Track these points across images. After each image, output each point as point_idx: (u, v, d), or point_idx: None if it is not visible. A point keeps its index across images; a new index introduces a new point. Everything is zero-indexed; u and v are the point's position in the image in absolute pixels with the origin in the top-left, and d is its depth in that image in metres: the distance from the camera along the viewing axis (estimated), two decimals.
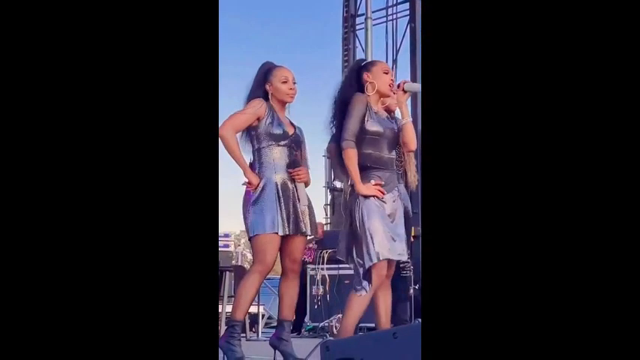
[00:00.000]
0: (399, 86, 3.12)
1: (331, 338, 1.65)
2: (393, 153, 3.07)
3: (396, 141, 3.10)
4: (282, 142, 3.13)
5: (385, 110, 3.19)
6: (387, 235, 2.87)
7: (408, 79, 6.89)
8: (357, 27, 7.75)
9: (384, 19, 7.53)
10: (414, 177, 3.15)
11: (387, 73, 3.13)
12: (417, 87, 3.26)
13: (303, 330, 6.43)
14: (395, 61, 7.36)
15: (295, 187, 3.09)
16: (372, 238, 2.84)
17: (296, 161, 3.15)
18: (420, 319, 1.77)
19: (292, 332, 6.95)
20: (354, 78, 3.07)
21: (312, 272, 6.34)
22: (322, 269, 6.14)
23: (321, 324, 6.03)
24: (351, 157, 2.91)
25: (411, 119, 3.10)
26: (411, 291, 5.55)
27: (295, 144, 3.21)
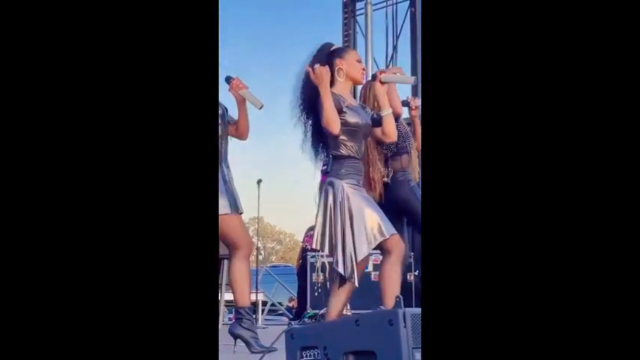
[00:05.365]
0: (374, 78, 3.10)
1: (296, 326, 1.63)
2: (363, 143, 3.06)
3: (368, 132, 3.09)
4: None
5: (375, 106, 3.19)
6: None
7: (409, 64, 6.87)
8: (357, 12, 7.70)
9: (384, 4, 7.47)
10: (378, 172, 3.16)
11: (359, 62, 3.12)
12: (395, 78, 3.24)
13: (303, 317, 6.45)
14: (395, 47, 7.30)
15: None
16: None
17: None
18: (382, 306, 1.76)
19: (294, 319, 6.99)
20: (325, 61, 3.02)
21: (313, 260, 6.34)
22: (322, 256, 6.13)
23: (321, 311, 6.04)
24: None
25: (391, 110, 3.08)
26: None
27: (225, 125, 3.30)
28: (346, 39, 7.74)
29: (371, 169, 3.09)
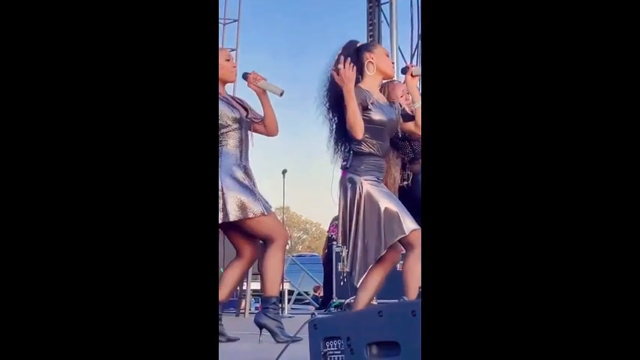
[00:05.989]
0: (405, 71, 3.10)
1: (319, 316, 1.64)
2: (387, 140, 3.05)
3: (394, 129, 3.08)
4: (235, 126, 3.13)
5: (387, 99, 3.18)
6: None
7: None
8: (382, 1, 7.66)
9: None
10: (392, 177, 3.17)
11: (387, 56, 3.12)
12: None
13: (330, 307, 6.47)
14: (420, 36, 7.25)
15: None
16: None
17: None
18: (405, 297, 1.76)
19: (320, 309, 7.01)
20: (353, 57, 3.00)
21: (338, 249, 6.35)
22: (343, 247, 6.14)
23: (347, 300, 6.05)
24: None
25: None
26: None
27: (245, 128, 3.21)
28: (371, 28, 7.70)
29: (385, 174, 3.09)
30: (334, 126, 3.03)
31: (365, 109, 2.91)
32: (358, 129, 2.85)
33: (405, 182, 3.65)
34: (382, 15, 7.69)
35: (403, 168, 3.70)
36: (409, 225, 2.87)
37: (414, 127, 3.11)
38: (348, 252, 2.89)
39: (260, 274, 3.21)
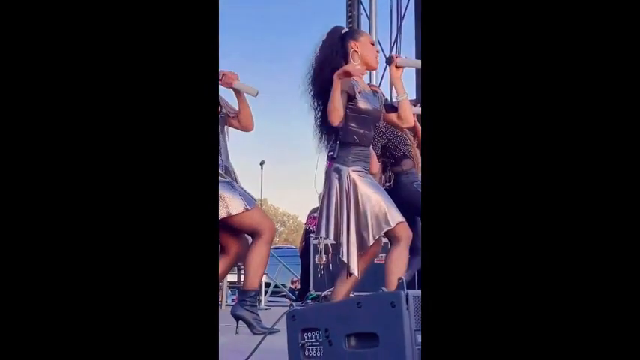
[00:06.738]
0: (389, 61, 3.08)
1: (297, 307, 1.63)
2: (372, 129, 3.04)
3: (379, 118, 3.07)
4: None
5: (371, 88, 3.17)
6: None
7: (413, 47, 6.81)
8: None
9: None
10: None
11: (373, 45, 3.09)
12: (411, 62, 3.20)
13: (306, 299, 6.47)
14: (399, 29, 7.24)
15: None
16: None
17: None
18: (384, 288, 1.75)
19: (297, 301, 7.02)
20: (338, 44, 2.98)
21: (315, 241, 6.34)
22: (325, 239, 6.13)
23: (324, 292, 6.05)
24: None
25: (407, 95, 3.05)
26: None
27: (220, 124, 3.20)
28: (350, 20, 7.68)
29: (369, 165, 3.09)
30: (319, 114, 2.99)
31: (352, 98, 2.89)
32: (337, 115, 2.83)
33: (388, 184, 3.66)
34: (362, 7, 7.67)
35: (384, 171, 3.70)
36: (395, 217, 2.86)
37: (397, 119, 3.09)
38: (340, 242, 2.86)
39: (243, 266, 3.21)
